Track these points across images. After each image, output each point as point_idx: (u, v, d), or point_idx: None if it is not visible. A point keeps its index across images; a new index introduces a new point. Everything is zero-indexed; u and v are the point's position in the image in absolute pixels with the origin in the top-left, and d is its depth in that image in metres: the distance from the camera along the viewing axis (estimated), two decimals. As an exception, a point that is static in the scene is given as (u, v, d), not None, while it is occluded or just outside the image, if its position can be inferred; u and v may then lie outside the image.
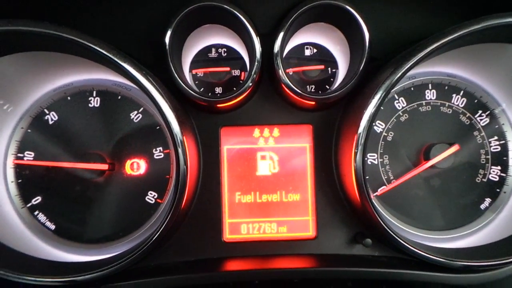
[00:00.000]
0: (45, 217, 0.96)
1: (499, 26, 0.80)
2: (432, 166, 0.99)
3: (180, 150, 0.85)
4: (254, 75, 0.90)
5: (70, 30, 0.77)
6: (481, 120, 1.02)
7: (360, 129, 0.86)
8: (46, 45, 0.84)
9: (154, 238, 0.84)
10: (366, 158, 1.01)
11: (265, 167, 1.01)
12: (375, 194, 1.01)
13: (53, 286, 0.84)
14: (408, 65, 0.82)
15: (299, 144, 1.01)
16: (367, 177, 1.01)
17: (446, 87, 1.03)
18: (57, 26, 0.77)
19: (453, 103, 1.03)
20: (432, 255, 0.88)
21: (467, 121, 1.02)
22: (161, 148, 0.98)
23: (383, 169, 1.01)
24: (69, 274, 0.83)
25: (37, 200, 0.96)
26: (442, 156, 0.97)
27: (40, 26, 0.76)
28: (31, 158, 0.97)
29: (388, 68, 0.86)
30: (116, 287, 0.86)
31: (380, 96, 0.84)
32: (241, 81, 0.97)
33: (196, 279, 0.85)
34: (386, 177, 1.01)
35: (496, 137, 1.02)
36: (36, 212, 0.96)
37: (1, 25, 0.77)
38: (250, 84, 0.89)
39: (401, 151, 1.02)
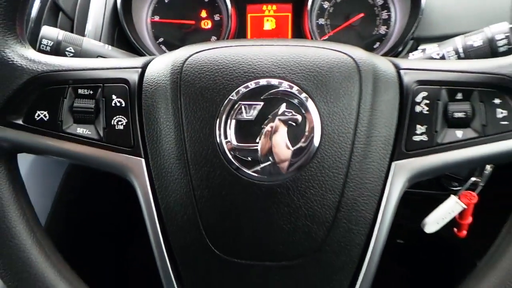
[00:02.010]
0: (164, 47, 1.97)
1: None
2: (351, 25, 1.98)
3: (228, 15, 1.83)
4: (261, -26, 1.88)
5: None
6: (378, 1, 1.97)
7: (309, 6, 1.86)
8: None
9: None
10: (317, 21, 2.00)
11: (268, 25, 1.95)
12: (322, 38, 2.01)
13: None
14: None
15: (285, 13, 1.96)
16: (318, 31, 2.02)
17: (362, -15, 1.98)
18: None
19: (365, -6, 1.97)
20: None
21: (372, 2, 1.94)
22: (218, 14, 1.95)
23: (327, 27, 1.98)
24: None
25: (161, 39, 1.99)
26: (355, 18, 1.95)
27: None
28: (158, 18, 1.98)
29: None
30: None
31: None
32: (255, -21, 1.94)
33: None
34: (328, 31, 2.00)
35: (385, 10, 1.92)
36: (161, 45, 1.98)
37: None
38: (258, -21, 1.87)
39: (336, 18, 1.93)
